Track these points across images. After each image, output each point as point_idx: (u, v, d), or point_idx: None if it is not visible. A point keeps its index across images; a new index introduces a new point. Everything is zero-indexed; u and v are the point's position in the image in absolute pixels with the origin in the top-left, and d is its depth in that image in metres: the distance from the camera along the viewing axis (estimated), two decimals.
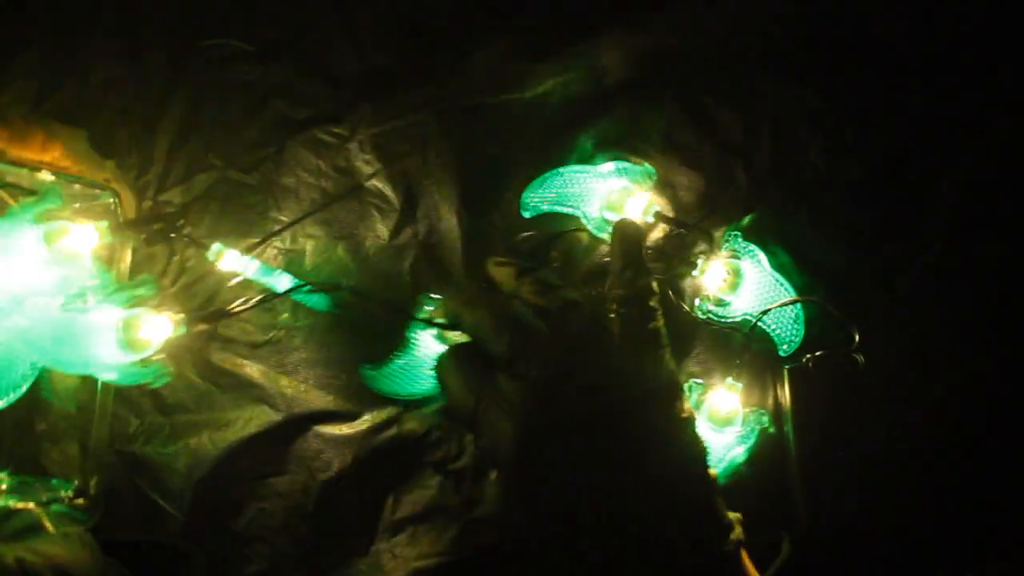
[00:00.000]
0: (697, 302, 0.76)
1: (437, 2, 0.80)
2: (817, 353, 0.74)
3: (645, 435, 0.58)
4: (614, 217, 0.75)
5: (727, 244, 0.76)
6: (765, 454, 0.76)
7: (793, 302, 0.74)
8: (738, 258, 0.76)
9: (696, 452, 0.60)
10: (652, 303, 0.68)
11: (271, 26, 0.78)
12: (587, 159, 0.78)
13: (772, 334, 0.76)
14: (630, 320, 0.67)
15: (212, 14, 0.77)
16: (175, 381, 0.69)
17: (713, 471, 0.60)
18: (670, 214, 0.76)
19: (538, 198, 0.77)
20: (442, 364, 0.65)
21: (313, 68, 0.79)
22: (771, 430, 0.76)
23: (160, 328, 0.62)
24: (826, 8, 0.78)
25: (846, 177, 0.78)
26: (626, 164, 0.76)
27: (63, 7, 0.70)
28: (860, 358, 0.72)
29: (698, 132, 0.78)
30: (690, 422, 0.61)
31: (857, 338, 0.73)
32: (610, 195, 0.75)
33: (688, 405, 0.62)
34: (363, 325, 0.74)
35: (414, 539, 0.74)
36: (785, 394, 0.75)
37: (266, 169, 0.76)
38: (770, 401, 0.77)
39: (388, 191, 0.79)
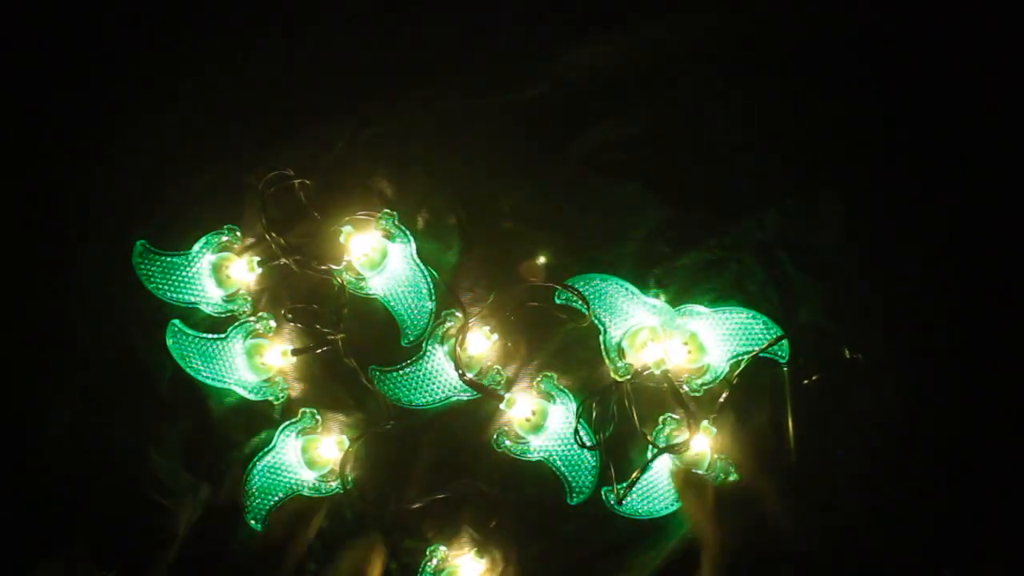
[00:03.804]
0: (685, 388, 0.75)
1: (436, 4, 0.81)
2: (814, 377, 0.74)
3: None
4: (628, 350, 0.74)
5: (660, 335, 0.75)
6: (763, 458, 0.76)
7: (770, 345, 0.72)
8: (686, 333, 0.74)
9: None
10: None
11: (272, 26, 0.79)
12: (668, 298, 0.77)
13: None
14: None
15: (213, 16, 0.79)
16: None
17: None
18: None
19: (584, 290, 0.75)
20: None
21: (314, 68, 0.80)
22: (732, 478, 0.74)
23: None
24: (826, 8, 0.78)
25: (846, 178, 0.78)
26: (676, 321, 0.75)
27: None
28: (859, 356, 0.72)
29: (696, 133, 0.78)
30: None
31: (848, 354, 0.73)
32: (639, 331, 0.75)
33: None
34: None
35: None
36: (785, 385, 0.75)
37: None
38: (740, 452, 0.75)
39: (388, 191, 0.80)
